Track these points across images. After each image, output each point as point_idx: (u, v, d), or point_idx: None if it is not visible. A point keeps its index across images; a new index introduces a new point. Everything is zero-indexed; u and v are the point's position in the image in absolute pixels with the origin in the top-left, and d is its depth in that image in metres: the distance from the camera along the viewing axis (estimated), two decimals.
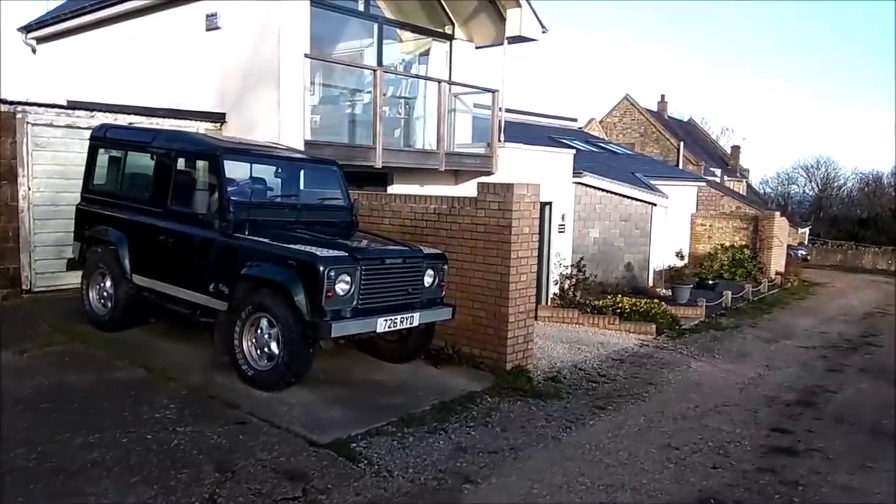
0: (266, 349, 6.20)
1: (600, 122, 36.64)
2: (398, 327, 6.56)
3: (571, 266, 13.13)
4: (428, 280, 6.98)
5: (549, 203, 14.56)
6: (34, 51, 14.95)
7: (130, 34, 12.11)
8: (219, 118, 10.64)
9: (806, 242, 35.85)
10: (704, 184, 26.10)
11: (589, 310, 12.31)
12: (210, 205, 6.59)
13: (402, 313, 6.58)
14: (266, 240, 6.34)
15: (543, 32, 13.69)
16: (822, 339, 12.47)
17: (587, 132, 28.34)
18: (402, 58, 13.92)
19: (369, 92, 13.04)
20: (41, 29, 14.36)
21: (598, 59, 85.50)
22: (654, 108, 40.24)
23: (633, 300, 12.48)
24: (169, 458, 4.72)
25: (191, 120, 10.45)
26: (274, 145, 8.06)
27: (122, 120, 9.72)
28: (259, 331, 6.23)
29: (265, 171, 7.36)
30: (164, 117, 10.30)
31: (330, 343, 6.51)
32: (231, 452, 4.88)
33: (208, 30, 10.71)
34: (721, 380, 8.92)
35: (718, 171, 37.45)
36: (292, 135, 9.74)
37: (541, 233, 14.54)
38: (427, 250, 7.07)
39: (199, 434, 5.12)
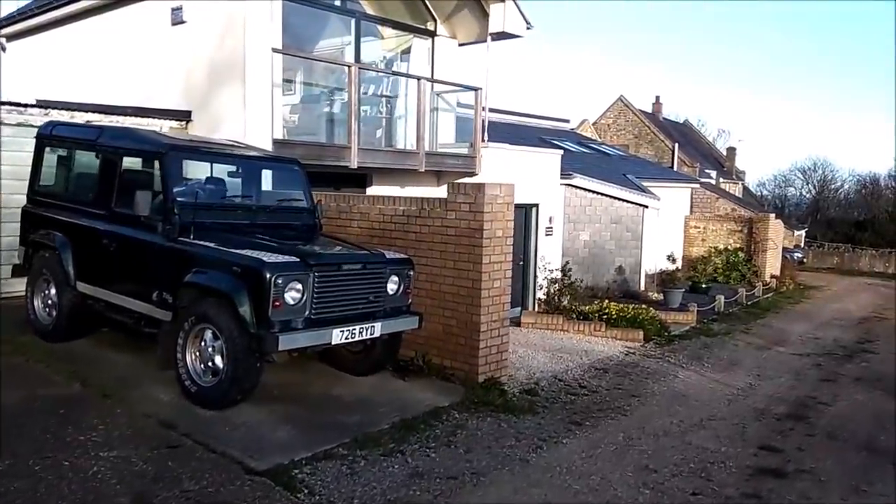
0: (210, 363, 5.71)
1: (594, 123, 36.18)
2: (357, 339, 6.07)
3: (557, 270, 12.65)
4: (392, 287, 6.50)
5: (536, 205, 14.12)
6: (4, 49, 14.46)
7: (99, 30, 11.64)
8: (184, 116, 10.15)
9: (802, 245, 35.39)
10: (698, 185, 25.67)
11: (575, 316, 11.84)
12: (154, 206, 6.11)
13: (362, 323, 6.10)
14: (212, 244, 5.85)
15: (528, 29, 13.24)
16: (816, 346, 12.00)
17: (579, 133, 27.90)
18: (384, 55, 13.46)
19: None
20: (10, 26, 13.87)
21: (593, 61, 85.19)
22: (649, 109, 39.82)
23: (621, 306, 12.00)
24: (82, 488, 4.23)
25: (155, 118, 9.96)
26: (232, 143, 7.58)
27: (81, 118, 9.23)
28: (203, 343, 5.74)
29: (219, 171, 6.88)
30: (125, 115, 9.81)
31: (284, 355, 6.02)
32: (154, 482, 4.39)
33: (174, 24, 10.23)
34: (709, 391, 8.45)
35: (714, 173, 37.00)
36: (259, 133, 9.26)
37: (526, 236, 14.19)
38: (390, 255, 6.59)
39: (123, 460, 4.63)
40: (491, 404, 6.73)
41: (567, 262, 12.89)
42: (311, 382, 6.70)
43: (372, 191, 11.43)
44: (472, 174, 12.50)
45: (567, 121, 26.89)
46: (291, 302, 5.55)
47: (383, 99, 12.97)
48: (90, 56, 11.87)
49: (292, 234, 6.85)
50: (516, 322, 11.73)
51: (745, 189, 45.39)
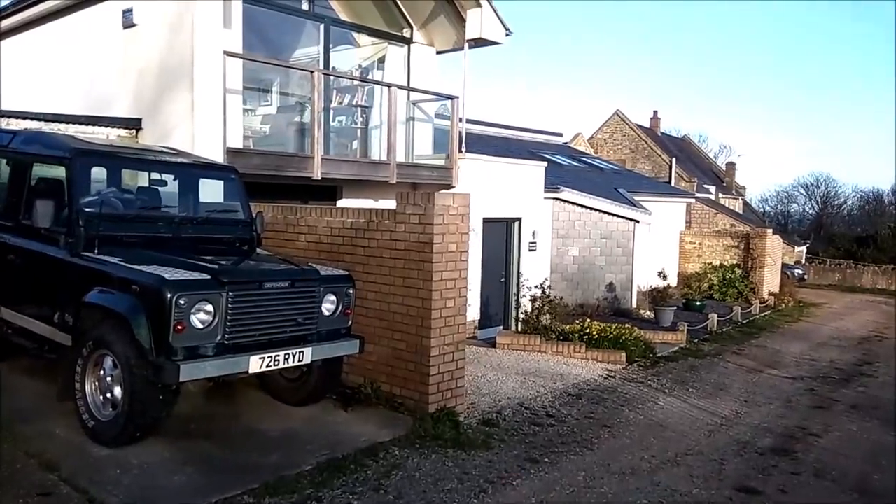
0: (109, 395, 5.05)
1: (590, 138, 35.62)
2: (282, 366, 5.40)
3: (536, 287, 11.96)
4: (328, 307, 5.84)
5: (518, 219, 13.50)
6: None
7: (53, 37, 11.10)
8: (134, 124, 9.55)
9: (803, 261, 34.62)
10: (693, 200, 25.04)
11: (555, 336, 11.14)
12: (57, 217, 5.47)
13: (289, 348, 5.43)
14: (114, 260, 5.20)
15: (507, 35, 12.68)
16: (811, 369, 11.26)
17: (572, 147, 27.32)
18: (359, 64, 12.91)
19: (328, 101, 12.13)
20: None
21: (590, 76, 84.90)
22: (647, 124, 39.25)
23: (603, 325, 11.29)
24: None
25: (103, 126, 9.37)
26: (164, 150, 6.95)
27: (20, 127, 8.63)
28: (102, 372, 5.09)
29: (140, 180, 6.25)
30: (76, 123, 9.23)
31: (203, 383, 5.36)
32: None
33: (125, 27, 9.66)
34: (689, 420, 7.73)
35: (713, 188, 36.33)
36: (209, 142, 8.65)
37: (508, 251, 13.54)
38: (326, 271, 5.94)
39: None
40: (440, 438, 6.04)
41: (546, 279, 12.19)
42: (238, 414, 6.03)
43: (342, 204, 10.82)
44: (450, 186, 11.89)
45: (560, 134, 26.33)
46: (199, 325, 4.89)
47: (358, 109, 12.41)
48: (45, 64, 11.32)
49: (222, 249, 6.21)
50: (492, 343, 11.06)
51: (746, 204, 44.70)
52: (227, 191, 6.73)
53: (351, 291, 6.03)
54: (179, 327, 4.75)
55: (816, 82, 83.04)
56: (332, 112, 12.36)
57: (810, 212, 57.74)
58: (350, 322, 6.09)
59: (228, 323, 5.04)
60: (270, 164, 9.43)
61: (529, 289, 12.26)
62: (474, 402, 7.52)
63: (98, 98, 10.05)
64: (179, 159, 6.62)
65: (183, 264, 5.16)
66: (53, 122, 9.09)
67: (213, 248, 6.12)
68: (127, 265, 5.08)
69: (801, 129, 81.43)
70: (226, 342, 5.05)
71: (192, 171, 6.62)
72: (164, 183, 6.38)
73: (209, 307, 4.92)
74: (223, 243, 6.35)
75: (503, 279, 13.42)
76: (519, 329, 12.50)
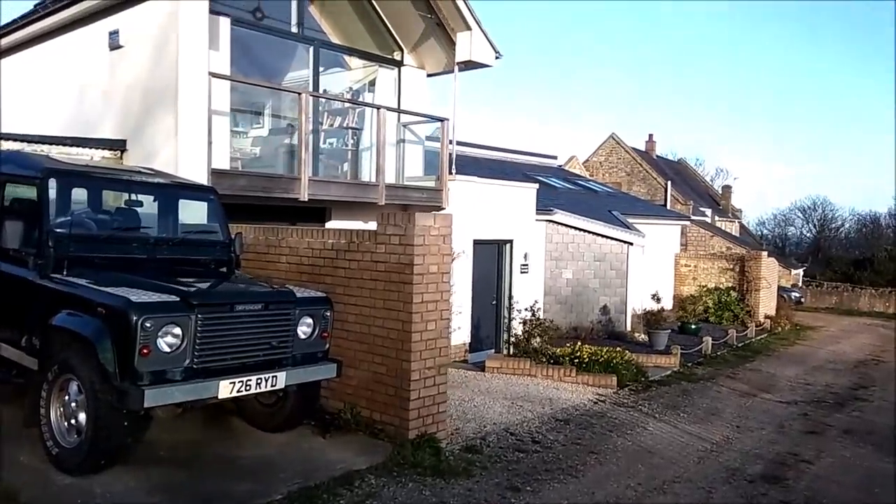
0: (74, 421, 4.90)
1: (585, 161, 35.71)
2: (253, 391, 5.25)
3: (526, 310, 11.83)
4: (305, 330, 5.71)
5: (510, 241, 13.43)
6: None
7: (45, 58, 11.07)
8: (119, 145, 9.48)
9: (800, 284, 34.46)
10: (688, 223, 24.99)
11: (545, 360, 10.98)
12: (28, 238, 5.36)
13: (261, 372, 5.28)
14: (83, 281, 5.08)
15: (497, 58, 12.70)
16: (805, 393, 11.09)
17: (567, 170, 27.34)
18: (350, 86, 12.91)
19: (319, 123, 12.09)
20: None
21: (585, 99, 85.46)
22: (643, 147, 39.34)
23: (594, 348, 11.13)
24: None
25: (89, 148, 9.31)
26: (140, 170, 6.86)
27: (5, 148, 8.55)
28: (67, 397, 4.94)
29: (115, 200, 6.14)
30: (63, 145, 9.17)
31: (172, 409, 5.20)
32: None
33: (111, 49, 9.63)
34: (679, 446, 7.56)
35: (709, 212, 36.30)
36: (194, 164, 8.56)
37: (499, 274, 13.43)
38: (302, 293, 5.81)
39: None
40: (419, 466, 5.87)
41: (536, 301, 12.05)
42: (212, 440, 5.86)
43: (331, 226, 10.73)
44: (440, 208, 11.83)
45: (554, 157, 26.36)
46: (167, 349, 4.75)
47: (349, 131, 12.39)
48: (37, 85, 11.29)
49: (198, 271, 6.09)
50: (481, 367, 10.90)
51: (743, 227, 44.67)
52: (206, 212, 6.62)
53: (328, 314, 5.90)
54: (145, 351, 4.61)
55: (813, 107, 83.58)
56: (322, 134, 12.35)
57: (808, 235, 57.76)
58: (328, 345, 5.95)
59: (198, 346, 4.90)
60: (257, 185, 9.35)
61: (520, 311, 12.13)
62: (458, 428, 7.35)
63: (85, 119, 10.02)
64: (156, 180, 6.52)
65: (152, 286, 5.03)
66: (39, 143, 9.02)
67: (189, 270, 6.01)
68: (94, 287, 4.95)
69: (798, 153, 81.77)
70: (195, 366, 4.90)
71: (169, 191, 6.51)
72: (141, 203, 6.27)
73: (177, 330, 4.79)
74: (200, 265, 6.24)
75: (494, 302, 13.30)
76: (510, 352, 12.34)
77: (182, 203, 6.59)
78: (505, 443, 7.06)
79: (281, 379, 5.41)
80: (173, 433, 5.85)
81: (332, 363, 5.91)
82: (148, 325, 4.61)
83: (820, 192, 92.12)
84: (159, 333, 4.69)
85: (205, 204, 6.67)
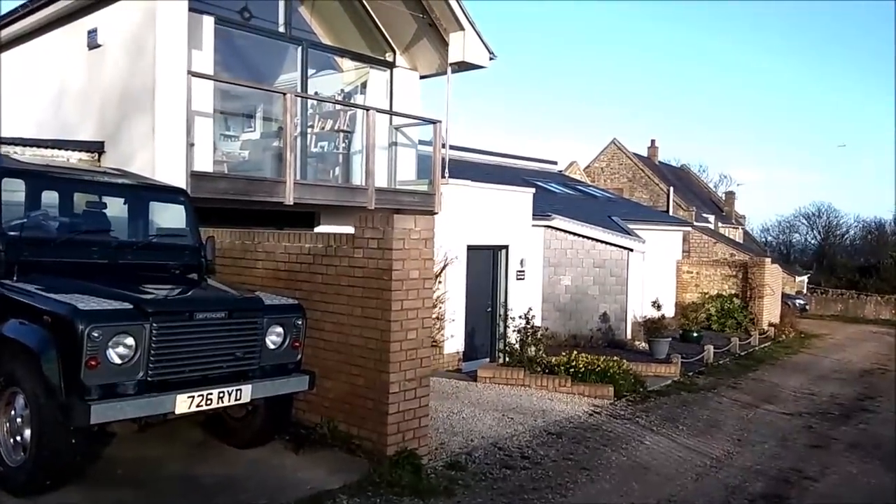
0: (20, 437, 4.56)
1: (587, 167, 35.38)
2: (215, 406, 4.89)
3: (521, 317, 11.46)
4: (274, 340, 5.36)
5: (505, 247, 13.09)
6: None
7: (26, 59, 10.80)
8: (97, 147, 9.17)
9: (804, 291, 34.01)
10: (690, 228, 24.59)
11: (540, 369, 10.61)
12: None
13: (224, 386, 4.93)
14: (33, 288, 4.75)
15: (492, 59, 12.41)
16: (809, 404, 10.69)
17: (566, 175, 27.01)
18: (342, 89, 12.62)
19: (310, 125, 11.79)
20: None
21: (587, 104, 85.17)
22: (645, 153, 38.99)
23: (590, 357, 10.76)
24: None
25: (67, 150, 9.01)
26: (105, 171, 6.55)
27: None
28: (14, 412, 4.60)
29: (76, 201, 5.81)
30: (44, 147, 8.87)
31: (129, 424, 4.86)
32: None
33: (90, 48, 9.34)
34: (676, 461, 7.18)
35: (712, 218, 35.93)
36: (171, 166, 8.26)
37: (494, 280, 13.08)
38: (271, 300, 5.46)
39: None
40: (396, 485, 5.50)
41: (530, 309, 11.68)
42: (176, 457, 5.51)
43: (319, 231, 10.40)
44: (432, 213, 11.49)
45: (555, 163, 26.03)
46: (117, 360, 4.40)
47: (341, 134, 12.09)
48: (22, 85, 10.99)
49: (163, 277, 5.76)
50: (474, 377, 10.52)
51: (747, 234, 44.27)
52: (176, 215, 6.28)
53: (300, 322, 5.55)
54: (93, 363, 4.27)
55: (818, 113, 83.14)
56: (314, 137, 12.05)
57: (812, 242, 57.33)
58: (300, 356, 5.60)
59: (153, 358, 4.56)
60: (238, 188, 9.04)
61: (513, 319, 11.78)
62: (444, 442, 6.99)
63: (66, 121, 9.75)
64: (121, 180, 6.18)
65: (106, 293, 4.70)
66: (20, 145, 8.74)
67: (154, 276, 5.67)
68: (42, 294, 4.62)
69: (803, 159, 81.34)
70: (149, 379, 4.56)
71: (135, 192, 6.17)
72: (104, 205, 5.94)
73: (129, 340, 4.45)
74: (167, 271, 5.90)
75: (489, 309, 12.95)
76: (505, 361, 11.97)
77: (157, 206, 6.26)
78: (492, 458, 6.69)
79: (246, 392, 5.06)
80: (136, 449, 5.51)
81: (304, 375, 5.56)
82: (96, 334, 4.27)
83: (824, 198, 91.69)
84: (109, 344, 4.35)
85: (177, 206, 6.33)
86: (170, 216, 6.40)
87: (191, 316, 4.80)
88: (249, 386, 5.08)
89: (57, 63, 10.02)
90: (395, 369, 5.99)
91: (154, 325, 4.55)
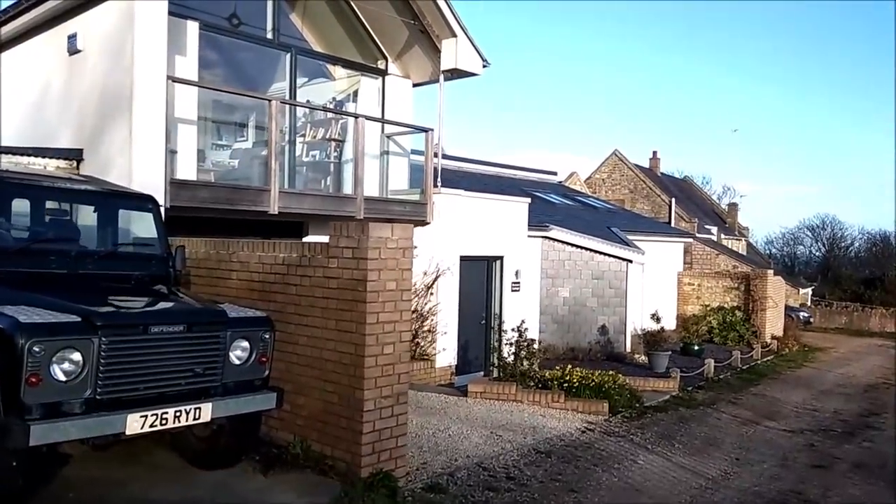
0: None
1: (588, 178, 35.15)
2: (171, 425, 4.59)
3: (513, 330, 11.14)
4: (239, 355, 5.06)
5: (500, 258, 12.79)
6: None
7: (8, 65, 10.60)
8: (75, 155, 8.91)
9: (809, 303, 33.61)
10: (692, 240, 24.27)
11: (533, 384, 10.28)
12: None
13: (182, 404, 4.63)
14: None
15: (485, 66, 12.17)
16: (812, 420, 10.33)
17: (566, 186, 26.73)
18: (334, 97, 12.38)
19: (302, 134, 11.56)
20: None
21: (588, 115, 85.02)
22: (647, 164, 38.75)
23: (585, 371, 10.42)
24: None
25: (46, 158, 8.77)
26: (70, 177, 6.28)
27: None
28: None
29: (32, 209, 5.54)
30: (24, 155, 8.63)
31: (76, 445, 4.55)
32: None
33: (71, 54, 9.11)
34: (670, 482, 6.84)
35: (714, 229, 35.62)
36: (150, 174, 7.98)
37: (489, 292, 12.77)
38: (236, 312, 5.17)
39: None
40: None
41: (523, 321, 11.36)
42: (135, 480, 5.19)
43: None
44: (424, 223, 11.25)
45: (555, 173, 25.78)
46: (62, 377, 4.11)
47: (332, 143, 11.84)
48: (6, 91, 10.78)
49: (126, 288, 5.47)
50: (463, 391, 10.19)
51: (750, 246, 43.90)
52: (143, 223, 6.00)
53: (268, 336, 5.24)
54: (34, 380, 3.97)
55: (820, 125, 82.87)
56: (305, 146, 11.81)
57: (817, 254, 56.95)
58: (267, 372, 5.29)
59: (102, 374, 4.25)
60: (220, 197, 8.78)
61: (506, 332, 11.46)
62: (426, 462, 6.66)
63: (46, 128, 9.50)
64: (84, 186, 5.91)
65: (56, 305, 4.41)
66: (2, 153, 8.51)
67: (116, 287, 5.38)
68: None
69: (806, 171, 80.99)
70: (98, 398, 4.25)
71: (100, 200, 5.89)
72: (66, 213, 5.66)
73: (76, 356, 4.15)
74: (130, 281, 5.61)
75: (483, 321, 12.64)
76: (498, 375, 11.65)
77: (131, 215, 5.98)
78: (475, 479, 6.35)
79: (206, 411, 4.75)
80: (93, 470, 5.20)
81: (271, 392, 5.25)
82: (37, 349, 3.97)
83: (828, 210, 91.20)
84: (53, 359, 4.05)
85: (146, 214, 6.05)
86: (145, 225, 6.12)
87: (145, 329, 4.50)
88: (210, 404, 4.78)
89: (38, 69, 9.80)
90: (370, 385, 5.67)
91: (103, 339, 4.26)
